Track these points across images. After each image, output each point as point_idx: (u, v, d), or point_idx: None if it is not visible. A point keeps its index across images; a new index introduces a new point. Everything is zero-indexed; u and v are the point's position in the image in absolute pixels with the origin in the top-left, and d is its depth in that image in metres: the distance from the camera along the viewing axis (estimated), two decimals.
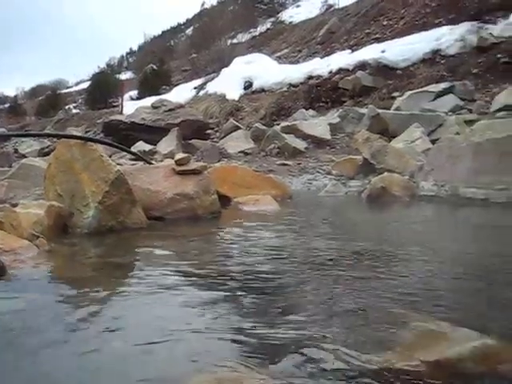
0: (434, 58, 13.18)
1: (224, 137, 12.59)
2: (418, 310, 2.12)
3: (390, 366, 1.56)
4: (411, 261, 2.99)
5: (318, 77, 15.57)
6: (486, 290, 2.45)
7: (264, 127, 11.45)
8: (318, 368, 1.61)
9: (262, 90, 17.23)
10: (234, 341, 1.81)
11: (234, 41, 28.37)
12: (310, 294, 2.38)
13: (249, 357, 1.67)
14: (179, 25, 50.06)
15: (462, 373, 1.51)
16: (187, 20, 48.65)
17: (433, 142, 7.69)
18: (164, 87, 23.18)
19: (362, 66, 14.53)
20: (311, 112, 13.59)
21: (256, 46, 24.06)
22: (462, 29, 13.32)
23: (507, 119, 6.54)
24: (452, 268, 2.86)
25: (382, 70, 13.87)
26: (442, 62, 12.84)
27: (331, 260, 2.96)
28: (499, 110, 9.48)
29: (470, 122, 8.08)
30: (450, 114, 9.94)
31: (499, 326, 1.88)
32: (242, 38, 29.25)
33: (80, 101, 30.98)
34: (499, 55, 11.39)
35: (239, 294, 2.35)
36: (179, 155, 4.95)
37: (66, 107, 27.68)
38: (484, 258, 3.13)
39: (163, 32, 49.91)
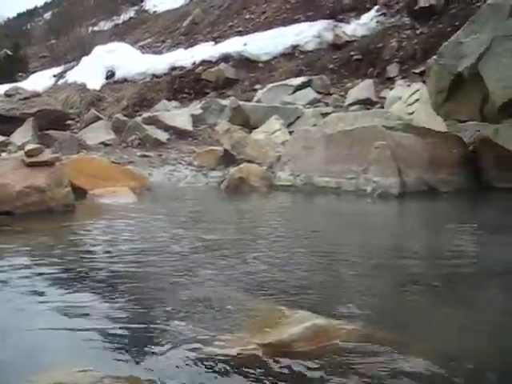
0: (293, 52, 13.60)
1: (84, 127, 12.08)
2: (263, 295, 2.16)
3: (227, 352, 1.57)
4: (262, 250, 3.06)
5: (182, 68, 15.45)
6: (328, 274, 2.56)
7: (125, 118, 11.14)
8: (158, 359, 1.59)
9: (125, 80, 16.74)
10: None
11: (96, 28, 27.25)
12: (164, 284, 2.35)
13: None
14: (36, 8, 47.15)
15: (293, 352, 1.55)
16: (45, 3, 45.95)
17: (292, 133, 7.93)
18: (20, 74, 21.72)
19: (225, 58, 14.63)
20: (174, 103, 13.46)
21: (118, 34, 23.31)
22: (319, 26, 13.87)
23: (357, 112, 6.91)
24: (301, 255, 2.96)
25: (245, 62, 14.08)
26: (301, 56, 13.29)
27: (182, 251, 2.94)
28: (352, 103, 10.03)
29: (326, 115, 8.47)
30: (307, 106, 10.32)
31: (332, 307, 1.97)
32: (104, 25, 28.19)
33: None
34: (352, 52, 12.01)
35: (88, 289, 2.26)
36: (29, 146, 4.70)
37: None
38: (334, 244, 3.28)
39: (19, 15, 46.75)
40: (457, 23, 9.63)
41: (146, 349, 1.67)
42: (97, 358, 1.59)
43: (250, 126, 9.49)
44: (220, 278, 2.43)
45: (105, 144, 10.44)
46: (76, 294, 2.21)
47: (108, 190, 5.24)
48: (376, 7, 13.41)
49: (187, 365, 1.52)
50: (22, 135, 11.06)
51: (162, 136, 10.03)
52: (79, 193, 4.92)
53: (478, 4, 9.66)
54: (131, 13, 29.91)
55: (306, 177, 5.56)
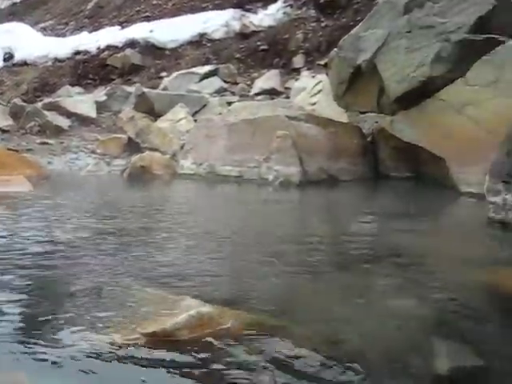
0: (200, 40, 13.50)
1: None
2: (155, 284, 2.14)
3: (109, 341, 1.55)
4: (157, 238, 3.03)
5: (86, 52, 14.93)
6: (222, 262, 2.58)
7: (23, 103, 10.61)
8: (40, 349, 1.54)
9: (25, 64, 15.95)
10: None
11: None
12: (53, 273, 2.28)
13: None
14: None
15: (177, 340, 1.55)
16: None
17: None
18: None
19: (132, 43, 14.28)
20: (78, 89, 12.99)
21: (17, 14, 22.12)
22: (227, 15, 13.84)
23: (260, 102, 6.98)
24: (197, 244, 2.96)
25: (151, 49, 13.82)
26: (208, 45, 13.23)
27: (74, 240, 2.86)
28: (258, 93, 10.13)
29: (232, 104, 8.48)
30: (214, 95, 10.29)
31: (223, 294, 1.98)
32: (2, 4, 26.72)
33: None
34: (259, 43, 12.10)
35: None
36: None
37: None
38: (232, 232, 3.30)
39: None
40: (359, 18, 9.93)
41: (30, 339, 1.61)
42: None
43: (155, 113, 9.33)
44: (112, 267, 2.38)
45: (2, 130, 9.92)
46: None
47: (2, 178, 4.99)
48: None
49: (68, 355, 1.48)
50: None
51: (64, 123, 9.66)
52: None
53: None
54: None
55: (209, 165, 5.56)
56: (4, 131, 9.97)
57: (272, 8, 13.47)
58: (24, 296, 1.99)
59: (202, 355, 1.49)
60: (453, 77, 4.92)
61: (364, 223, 3.66)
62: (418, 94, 5.10)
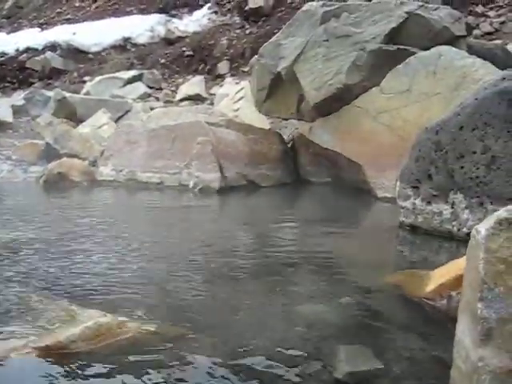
0: (125, 45, 13.32)
1: None
2: (59, 295, 2.08)
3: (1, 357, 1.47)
4: (66, 248, 2.93)
5: (3, 54, 14.38)
6: (132, 272, 2.53)
7: None
8: None
9: None
10: None
11: None
12: None
13: None
14: None
15: (74, 353, 1.51)
16: None
17: None
18: None
19: (53, 46, 13.89)
20: None
21: None
22: (152, 20, 13.73)
23: (181, 108, 6.94)
24: (107, 253, 2.89)
25: (74, 52, 13.49)
26: (133, 49, 13.06)
27: None
28: (183, 99, 10.08)
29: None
30: (138, 100, 10.16)
31: (129, 304, 1.94)
32: None
33: None
34: (184, 48, 12.06)
35: None
36: None
37: None
38: (145, 241, 3.25)
39: None
40: (282, 26, 10.08)
41: None
42: None
43: (76, 119, 9.10)
44: (16, 278, 2.29)
45: None
46: None
47: None
48: (208, 5, 13.59)
49: None
50: None
51: None
52: None
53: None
54: None
55: (129, 172, 5.46)
56: None
57: (197, 14, 13.47)
58: None
59: (98, 367, 1.45)
60: (368, 85, 5.07)
61: (281, 229, 3.69)
62: (336, 102, 5.21)
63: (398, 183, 3.59)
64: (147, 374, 1.45)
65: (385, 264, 2.88)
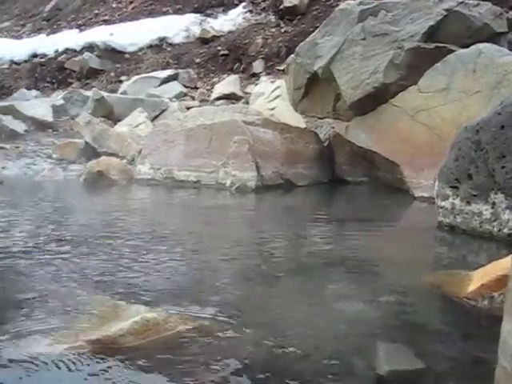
0: (161, 44, 13.47)
1: None
2: (104, 291, 2.13)
3: (51, 350, 1.54)
4: (109, 245, 3.00)
5: (43, 55, 14.70)
6: (174, 268, 2.58)
7: None
8: None
9: None
10: None
11: None
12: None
13: None
14: None
15: (123, 347, 1.55)
16: None
17: None
18: None
19: (90, 47, 14.13)
20: (35, 92, 12.77)
21: None
22: (187, 20, 13.85)
23: (217, 107, 6.99)
24: (149, 250, 2.95)
25: (111, 52, 13.70)
26: (169, 49, 13.20)
27: (22, 249, 2.82)
28: (218, 98, 10.15)
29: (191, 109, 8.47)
30: (173, 100, 10.27)
31: (174, 301, 1.99)
32: None
33: None
34: (219, 47, 12.13)
35: None
36: None
37: None
38: (185, 238, 3.30)
39: None
40: (318, 24, 10.06)
41: None
42: None
43: (113, 118, 9.28)
44: (63, 274, 2.36)
45: None
46: None
47: None
48: (243, 4, 13.64)
49: (8, 364, 1.47)
50: None
51: (20, 127, 9.48)
52: None
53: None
54: None
55: (166, 170, 5.54)
56: None
57: (232, 13, 13.54)
58: None
59: (147, 361, 1.49)
60: (405, 83, 5.03)
61: (318, 227, 3.71)
62: (373, 100, 5.19)
63: (437, 183, 3.56)
64: (193, 368, 1.49)
65: (423, 264, 2.86)
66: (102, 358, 1.49)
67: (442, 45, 4.95)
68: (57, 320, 1.77)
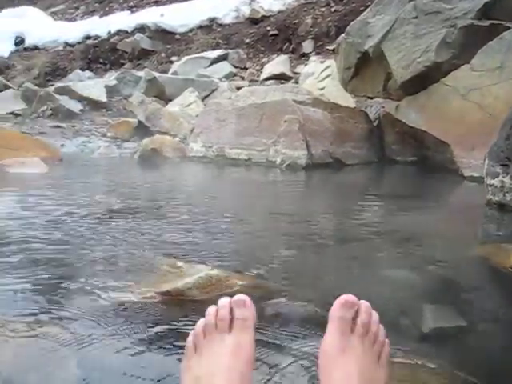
0: (211, 25, 13.59)
1: None
2: (167, 253, 2.30)
3: (128, 299, 1.70)
4: (170, 215, 3.18)
5: (96, 37, 15.06)
6: (229, 235, 2.73)
7: (36, 87, 10.77)
8: (66, 308, 1.70)
9: (36, 48, 16.09)
10: None
11: None
12: (77, 245, 2.43)
13: None
14: None
15: (189, 299, 1.71)
16: None
17: None
18: None
19: (142, 28, 14.39)
20: (88, 73, 13.13)
21: None
22: (237, 0, 13.91)
23: (268, 86, 7.08)
24: (207, 219, 3.11)
25: (161, 33, 13.92)
26: (218, 30, 13.32)
27: (98, 216, 3.02)
28: (268, 78, 10.22)
29: (240, 89, 8.59)
30: (223, 80, 10.41)
31: (230, 263, 2.14)
32: None
33: None
34: (268, 28, 12.17)
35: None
36: None
37: None
38: (238, 209, 3.45)
39: None
40: (369, 3, 9.97)
41: (55, 299, 1.77)
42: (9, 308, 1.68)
43: (165, 97, 9.49)
44: (129, 239, 2.54)
45: (15, 114, 10.10)
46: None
47: (17, 160, 5.14)
48: None
49: (93, 311, 1.65)
50: None
51: (75, 107, 9.82)
52: None
53: None
54: None
55: (218, 148, 5.69)
56: (17, 115, 10.15)
57: None
58: (52, 262, 2.16)
59: None
60: (458, 62, 5.00)
61: (366, 203, 3.79)
62: (424, 80, 5.19)
63: (487, 161, 3.58)
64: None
65: (471, 238, 2.92)
66: (172, 307, 1.65)
67: (497, 22, 4.88)
68: (128, 276, 1.94)
